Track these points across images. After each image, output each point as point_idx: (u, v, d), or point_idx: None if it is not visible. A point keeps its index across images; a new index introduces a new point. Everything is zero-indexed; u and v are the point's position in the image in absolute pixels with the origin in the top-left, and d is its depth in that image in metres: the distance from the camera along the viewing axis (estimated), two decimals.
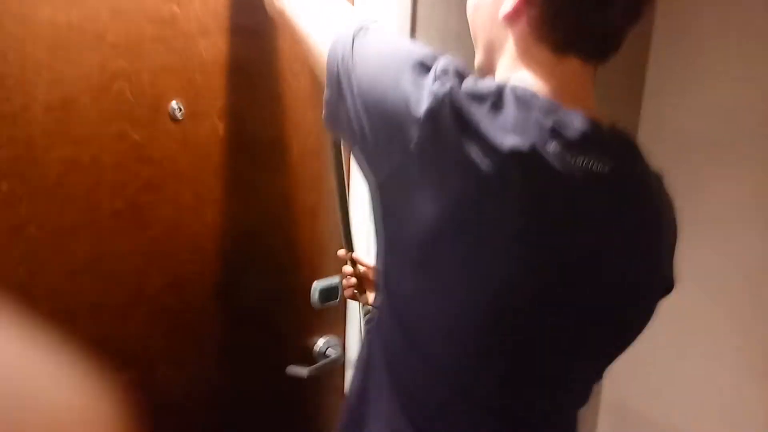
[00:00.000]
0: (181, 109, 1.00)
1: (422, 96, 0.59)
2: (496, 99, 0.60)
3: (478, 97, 0.60)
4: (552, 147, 0.59)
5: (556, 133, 0.59)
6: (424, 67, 0.62)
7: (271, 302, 1.22)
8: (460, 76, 0.62)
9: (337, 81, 0.69)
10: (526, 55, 0.67)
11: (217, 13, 1.02)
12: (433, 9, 1.32)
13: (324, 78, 0.73)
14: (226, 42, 1.05)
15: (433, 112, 0.58)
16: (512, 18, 0.67)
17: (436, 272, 0.62)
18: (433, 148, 0.58)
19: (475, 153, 0.57)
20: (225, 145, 1.08)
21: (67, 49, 0.86)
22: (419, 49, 0.65)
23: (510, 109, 0.60)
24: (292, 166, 1.20)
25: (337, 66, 0.69)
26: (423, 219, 0.59)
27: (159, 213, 1.01)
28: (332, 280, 1.31)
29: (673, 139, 1.85)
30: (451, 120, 0.58)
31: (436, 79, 0.60)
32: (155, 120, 0.98)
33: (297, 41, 0.85)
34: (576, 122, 0.61)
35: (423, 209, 0.59)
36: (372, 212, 0.69)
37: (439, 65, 0.62)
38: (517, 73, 0.68)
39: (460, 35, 1.40)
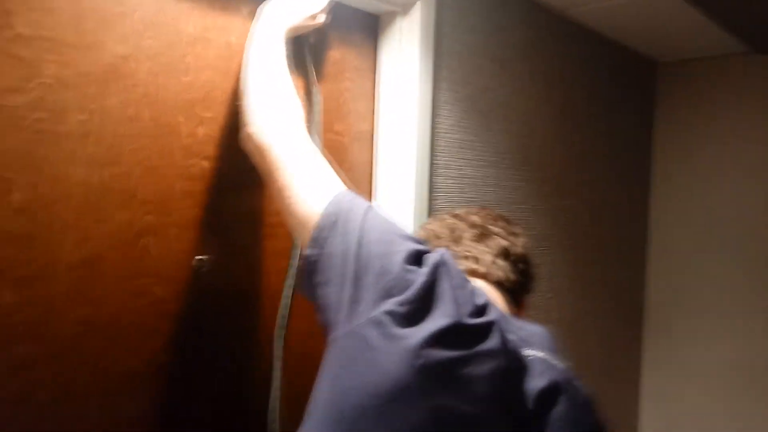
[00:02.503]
0: (205, 263, 0.98)
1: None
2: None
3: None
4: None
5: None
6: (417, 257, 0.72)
7: None
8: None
9: (334, 224, 0.75)
10: None
11: (245, 168, 1.04)
12: (450, 158, 1.35)
13: (308, 219, 0.77)
14: (251, 196, 1.05)
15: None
16: None
17: None
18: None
19: None
20: (249, 298, 1.05)
21: (96, 208, 0.86)
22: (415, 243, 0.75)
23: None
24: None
25: (339, 215, 0.75)
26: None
27: (179, 371, 0.95)
28: None
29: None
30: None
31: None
32: (179, 275, 0.96)
33: (268, 178, 0.85)
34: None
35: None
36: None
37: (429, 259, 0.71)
38: None
39: (476, 184, 1.43)
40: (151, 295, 0.92)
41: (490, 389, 0.65)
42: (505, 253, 0.87)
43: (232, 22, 1.00)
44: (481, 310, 0.69)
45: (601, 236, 1.93)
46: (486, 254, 0.86)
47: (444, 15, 1.31)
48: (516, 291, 0.88)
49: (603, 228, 1.94)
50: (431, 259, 0.71)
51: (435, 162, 1.31)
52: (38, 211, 0.80)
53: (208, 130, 0.98)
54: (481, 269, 0.84)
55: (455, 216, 0.93)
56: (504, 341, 0.68)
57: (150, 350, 0.92)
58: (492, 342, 0.67)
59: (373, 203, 0.81)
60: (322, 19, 1.05)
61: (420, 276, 0.68)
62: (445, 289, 0.68)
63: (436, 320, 0.65)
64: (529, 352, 0.72)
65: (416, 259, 0.72)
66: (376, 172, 1.28)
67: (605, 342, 1.97)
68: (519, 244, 0.91)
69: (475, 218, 0.91)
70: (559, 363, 0.74)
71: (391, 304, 0.66)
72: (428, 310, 0.67)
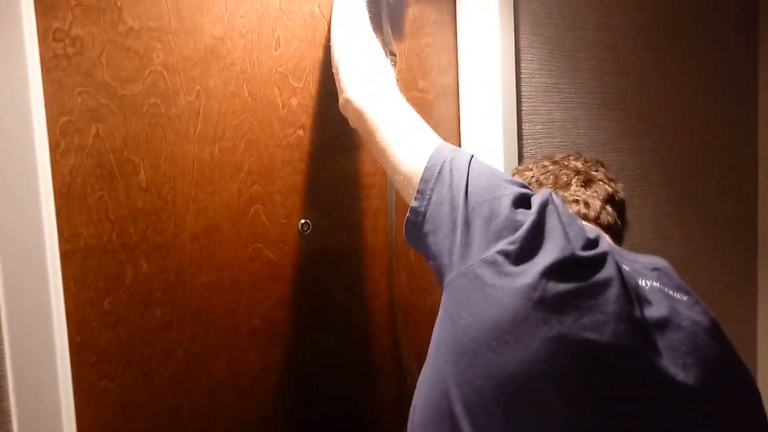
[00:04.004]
0: (309, 225, 1.04)
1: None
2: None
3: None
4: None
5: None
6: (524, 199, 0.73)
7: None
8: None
9: (440, 173, 0.77)
10: None
11: (337, 133, 1.08)
12: (537, 103, 1.33)
13: (412, 173, 0.79)
14: (345, 159, 1.10)
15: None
16: None
17: None
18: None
19: None
20: (350, 255, 1.11)
21: (210, 181, 0.93)
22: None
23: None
24: (413, 271, 1.20)
25: (443, 165, 0.77)
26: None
27: (292, 328, 1.03)
28: None
29: None
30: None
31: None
32: (287, 238, 1.02)
33: (370, 140, 0.88)
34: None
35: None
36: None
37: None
38: None
39: (566, 128, 1.40)
40: (263, 258, 1.00)
41: (609, 317, 0.64)
42: (611, 199, 0.88)
43: None
44: (593, 242, 0.69)
45: (706, 171, 1.82)
46: (594, 199, 0.86)
47: None
48: (618, 236, 0.88)
49: (708, 162, 1.83)
50: (538, 199, 0.72)
51: (521, 108, 1.29)
52: (162, 188, 0.89)
53: (301, 99, 1.03)
54: (591, 214, 0.85)
55: (556, 162, 0.93)
56: (620, 270, 0.68)
57: (267, 309, 1.00)
58: (607, 271, 0.67)
59: (474, 154, 0.82)
60: None
61: (530, 215, 0.70)
62: (554, 225, 0.69)
63: (549, 254, 0.66)
64: (645, 282, 0.72)
65: (523, 201, 0.73)
66: (463, 125, 1.29)
67: (717, 282, 1.88)
68: (619, 190, 0.91)
69: (577, 164, 0.92)
70: (677, 294, 0.73)
71: (502, 244, 0.68)
72: (540, 246, 0.67)
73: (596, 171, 0.91)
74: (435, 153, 0.79)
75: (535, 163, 0.96)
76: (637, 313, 0.66)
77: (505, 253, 0.67)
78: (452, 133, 1.28)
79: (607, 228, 0.85)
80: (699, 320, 0.70)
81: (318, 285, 1.07)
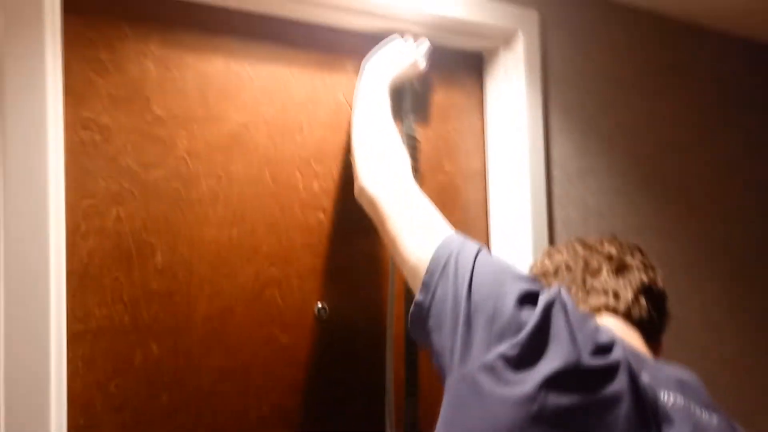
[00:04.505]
0: (326, 310, 1.02)
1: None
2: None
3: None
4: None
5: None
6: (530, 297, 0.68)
7: None
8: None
9: (444, 267, 0.74)
10: None
11: (357, 217, 1.07)
12: (570, 187, 1.29)
13: (419, 265, 0.77)
14: (366, 243, 1.08)
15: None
16: None
17: None
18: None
19: None
20: (370, 343, 1.07)
21: (226, 264, 0.94)
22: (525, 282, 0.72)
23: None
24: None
25: (449, 258, 0.74)
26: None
27: (302, 416, 0.99)
28: None
29: None
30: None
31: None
32: (302, 322, 1.00)
33: (381, 229, 0.87)
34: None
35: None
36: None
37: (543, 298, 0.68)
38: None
39: (602, 213, 1.35)
40: (277, 343, 0.98)
41: None
42: (646, 289, 0.81)
43: (339, 80, 1.06)
44: (604, 348, 0.63)
45: (761, 259, 1.71)
46: (626, 290, 0.80)
47: (549, 42, 1.27)
48: (655, 330, 0.81)
49: (760, 248, 1.71)
50: (545, 298, 0.68)
51: (552, 192, 1.26)
52: (177, 270, 0.90)
53: (323, 183, 1.04)
54: (621, 307, 0.78)
55: (587, 246, 0.87)
56: (634, 383, 0.62)
57: (278, 396, 0.97)
58: (619, 383, 0.61)
59: (483, 246, 0.79)
60: (422, 65, 1.08)
61: (533, 317, 0.65)
62: (560, 327, 0.64)
63: (552, 362, 0.61)
64: (667, 397, 0.65)
65: (530, 299, 0.68)
66: (491, 209, 1.26)
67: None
68: (658, 279, 0.84)
69: (610, 249, 0.85)
70: (705, 413, 0.65)
71: (503, 347, 0.64)
72: (543, 351, 0.63)
73: (632, 257, 0.84)
74: (442, 244, 0.77)
75: (566, 246, 0.90)
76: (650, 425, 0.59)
77: (505, 358, 0.62)
78: (480, 217, 1.26)
79: (639, 323, 0.78)
80: None
81: (334, 372, 1.03)
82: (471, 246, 0.77)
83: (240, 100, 0.96)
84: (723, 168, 1.61)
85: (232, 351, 0.94)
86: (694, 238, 1.53)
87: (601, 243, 0.87)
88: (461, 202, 1.22)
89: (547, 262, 0.88)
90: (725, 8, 1.47)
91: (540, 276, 0.87)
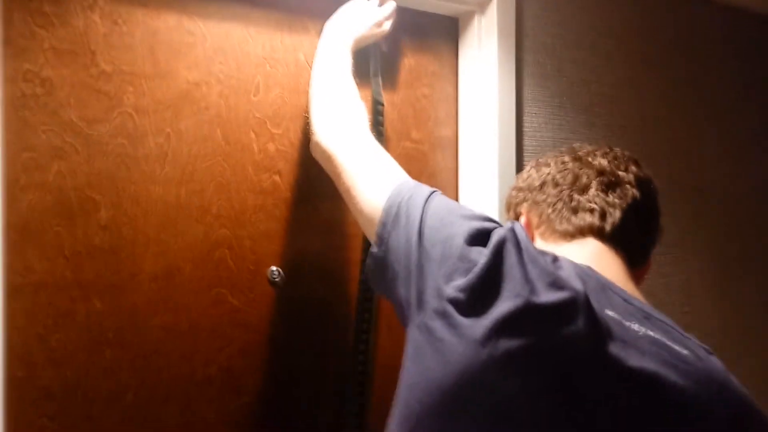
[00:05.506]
0: (281, 274, 1.01)
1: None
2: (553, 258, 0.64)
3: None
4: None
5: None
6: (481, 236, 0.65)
7: None
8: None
9: (396, 216, 0.72)
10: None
11: (317, 180, 1.06)
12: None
13: (374, 216, 0.75)
14: (325, 207, 1.07)
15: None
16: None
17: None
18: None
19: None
20: (324, 308, 1.06)
21: (174, 223, 0.93)
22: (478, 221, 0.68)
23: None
24: (393, 326, 1.14)
25: (400, 206, 0.72)
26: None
27: (251, 380, 0.99)
28: None
29: None
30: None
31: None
32: (254, 285, 1.00)
33: (336, 183, 0.87)
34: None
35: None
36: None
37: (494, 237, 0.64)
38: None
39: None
40: (227, 305, 0.97)
41: (575, 380, 0.55)
42: (636, 207, 0.76)
43: (299, 41, 1.04)
44: (562, 283, 0.58)
45: (751, 239, 1.65)
46: (615, 208, 0.75)
47: (525, 7, 1.23)
48: (642, 253, 0.77)
49: (752, 228, 1.66)
50: (496, 235, 0.63)
51: (523, 163, 1.22)
52: (122, 227, 0.89)
53: (279, 145, 1.02)
54: (607, 227, 0.74)
55: (578, 159, 0.80)
56: (593, 320, 0.57)
57: (226, 358, 0.97)
58: (577, 323, 0.56)
59: (437, 190, 0.75)
60: (387, 26, 1.05)
61: (483, 256, 0.61)
62: (511, 265, 0.60)
63: (503, 303, 0.57)
64: (635, 327, 0.61)
65: (481, 238, 0.64)
66: (461, 178, 1.23)
67: (763, 363, 1.67)
68: (652, 194, 0.79)
69: (602, 162, 0.79)
70: (676, 345, 0.61)
71: (452, 289, 0.60)
72: (495, 293, 0.59)
73: (625, 171, 0.78)
74: (393, 193, 0.74)
75: (555, 157, 0.83)
76: (611, 371, 0.56)
77: (455, 302, 0.59)
78: (450, 185, 1.23)
79: (625, 246, 0.74)
80: (713, 377, 0.60)
81: (287, 336, 1.02)
82: (422, 190, 0.74)
83: (192, 57, 0.94)
84: (712, 144, 1.56)
85: (178, 311, 0.93)
86: (678, 212, 1.48)
87: (593, 155, 0.81)
88: (429, 170, 1.19)
89: (534, 174, 0.83)
90: None
91: (525, 189, 0.82)
